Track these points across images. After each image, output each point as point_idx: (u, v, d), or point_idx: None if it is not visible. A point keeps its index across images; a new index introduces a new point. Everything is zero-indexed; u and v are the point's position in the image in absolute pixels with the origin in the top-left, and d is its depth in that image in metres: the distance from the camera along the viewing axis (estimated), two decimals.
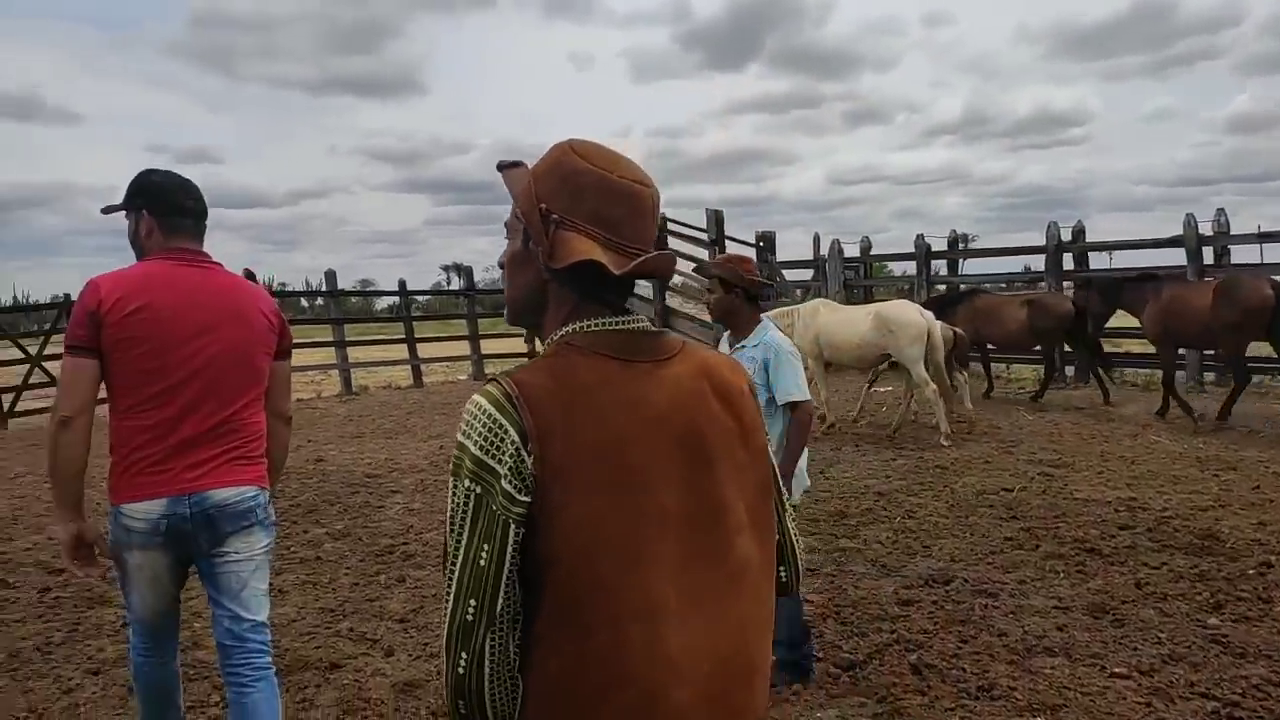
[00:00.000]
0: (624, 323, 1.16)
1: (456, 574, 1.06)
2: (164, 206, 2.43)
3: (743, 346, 3.32)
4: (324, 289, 14.73)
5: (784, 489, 1.30)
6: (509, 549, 1.04)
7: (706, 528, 1.11)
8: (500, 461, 1.04)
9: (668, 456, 1.09)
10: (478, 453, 1.05)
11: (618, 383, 1.10)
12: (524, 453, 1.04)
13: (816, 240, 17.43)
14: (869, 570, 4.63)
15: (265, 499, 2.52)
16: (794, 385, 3.23)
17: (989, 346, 11.33)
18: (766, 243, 16.96)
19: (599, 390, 1.09)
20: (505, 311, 1.29)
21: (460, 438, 1.08)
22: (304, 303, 28.23)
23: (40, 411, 12.14)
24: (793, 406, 3.23)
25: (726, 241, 16.36)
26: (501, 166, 1.20)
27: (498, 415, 1.06)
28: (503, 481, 1.04)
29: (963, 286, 13.27)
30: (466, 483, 1.06)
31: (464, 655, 1.06)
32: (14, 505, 6.87)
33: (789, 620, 3.25)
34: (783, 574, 1.28)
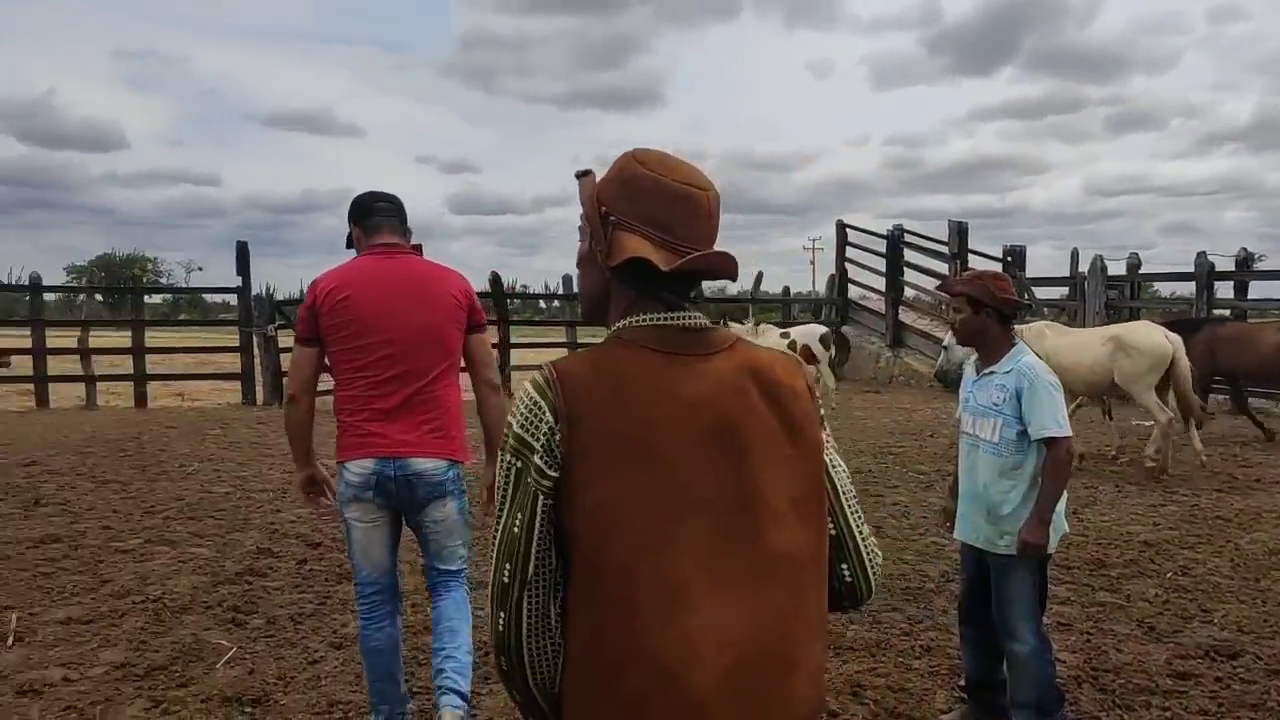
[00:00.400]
0: (675, 318, 1.21)
1: (497, 540, 1.16)
2: (360, 213, 2.90)
3: (991, 373, 2.98)
4: (560, 292, 15.32)
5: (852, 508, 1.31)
6: (538, 519, 1.13)
7: (736, 515, 1.14)
8: (535, 439, 1.13)
9: (699, 445, 1.14)
10: (519, 430, 1.15)
11: (655, 374, 1.16)
12: (555, 432, 1.13)
13: (1075, 256, 16.02)
14: (1134, 632, 4.05)
15: (457, 472, 2.84)
16: (1051, 419, 2.85)
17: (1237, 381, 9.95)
18: (1015, 258, 15.76)
19: (635, 380, 1.15)
20: (579, 308, 1.39)
21: (509, 417, 1.18)
22: (541, 304, 29.69)
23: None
24: (1050, 443, 2.85)
25: (969, 256, 15.37)
26: (576, 175, 1.28)
27: (538, 398, 1.15)
28: (536, 457, 1.13)
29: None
30: (509, 457, 1.16)
31: (501, 614, 1.16)
32: (285, 479, 7.61)
33: (1036, 681, 2.89)
34: (846, 572, 1.29)
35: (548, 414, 1.14)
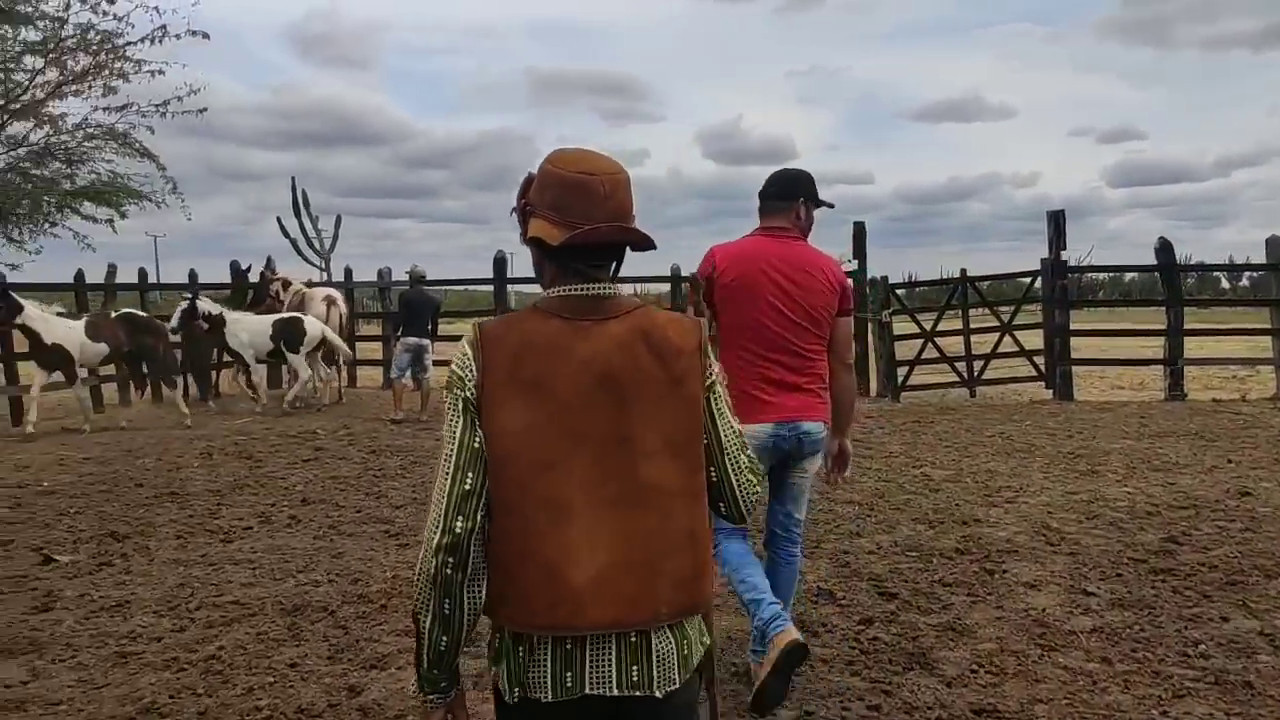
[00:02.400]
0: (582, 289, 1.48)
1: (454, 456, 1.42)
2: (764, 196, 3.26)
3: None
4: (1265, 264, 11.32)
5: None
6: (479, 439, 1.43)
7: (614, 450, 1.42)
8: (466, 380, 1.45)
9: (588, 392, 1.42)
10: (459, 371, 1.46)
11: (556, 335, 1.44)
12: (478, 375, 1.44)
13: None
14: None
15: (828, 434, 3.25)
16: None
17: None
18: None
19: (537, 340, 1.44)
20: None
21: (452, 364, 1.48)
22: (1224, 282, 23.86)
23: (930, 387, 12.15)
24: None
25: None
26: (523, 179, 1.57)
27: (469, 350, 1.46)
28: (465, 393, 1.44)
29: None
30: (456, 392, 1.45)
31: (460, 519, 1.40)
32: (880, 492, 6.40)
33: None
34: (722, 507, 1.58)
35: (472, 363, 1.45)
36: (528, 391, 1.40)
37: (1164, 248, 11.33)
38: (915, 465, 7.51)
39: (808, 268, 3.10)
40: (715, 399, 1.53)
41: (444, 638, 1.43)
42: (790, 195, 3.18)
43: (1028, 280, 12.36)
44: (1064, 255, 11.71)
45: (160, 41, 10.13)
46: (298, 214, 21.43)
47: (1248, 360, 12.21)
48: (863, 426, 9.61)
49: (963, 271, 12.14)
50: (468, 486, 1.40)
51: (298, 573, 4.69)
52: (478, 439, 1.41)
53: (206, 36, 10.43)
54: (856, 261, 12.38)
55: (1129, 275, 29.04)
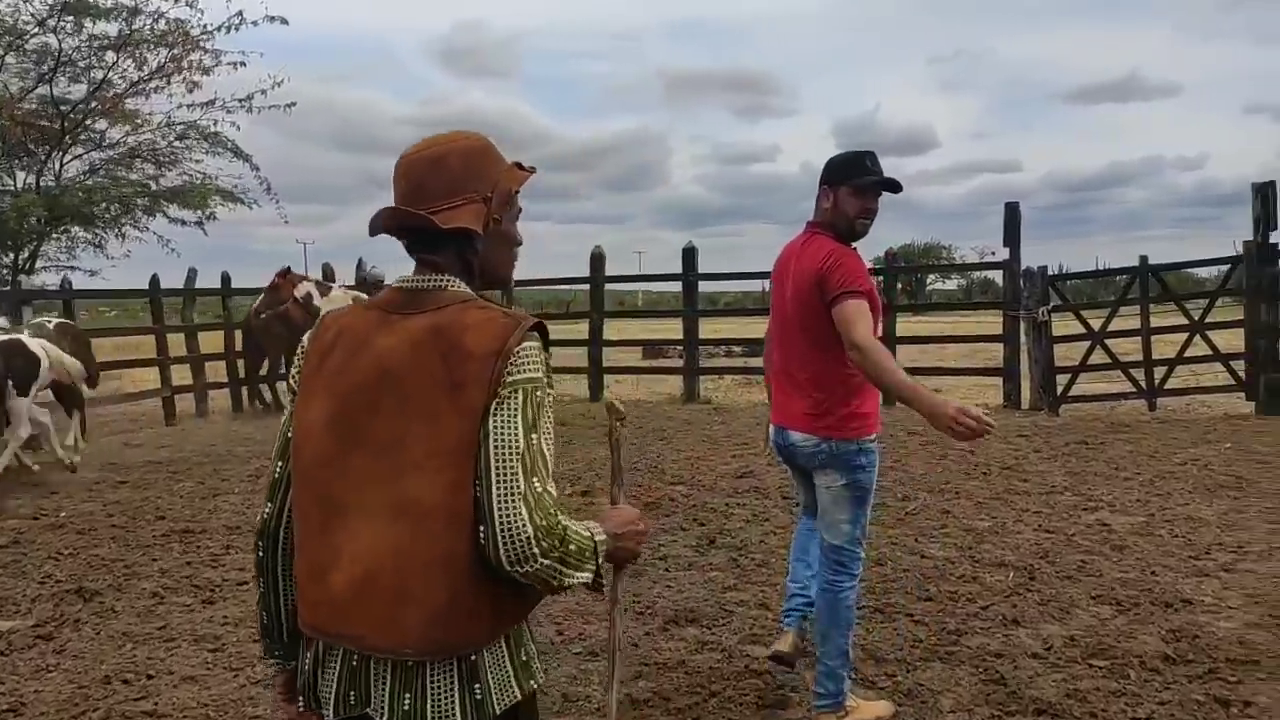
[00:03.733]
0: (408, 281, 1.45)
1: (276, 443, 1.48)
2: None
3: None
4: None
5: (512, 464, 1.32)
6: (290, 428, 1.45)
7: (385, 457, 1.33)
8: (295, 369, 1.48)
9: (371, 391, 1.36)
10: (297, 359, 1.48)
11: (366, 328, 1.40)
12: (300, 363, 1.47)
13: None
14: None
15: (831, 448, 2.90)
16: None
17: None
18: None
19: (349, 332, 1.42)
20: None
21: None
22: None
23: (1098, 398, 10.22)
24: None
25: None
26: None
27: (305, 339, 1.49)
28: (292, 381, 1.48)
29: None
30: (290, 380, 1.49)
31: (268, 505, 1.48)
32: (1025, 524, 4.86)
33: None
34: (482, 533, 1.31)
35: (302, 352, 1.48)
36: (327, 384, 1.40)
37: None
38: (1088, 507, 5.86)
39: (804, 263, 2.92)
40: (507, 409, 1.33)
41: (263, 613, 1.52)
42: (820, 182, 3.01)
43: (1225, 269, 10.21)
44: (1273, 237, 9.56)
45: (237, 29, 9.57)
46: None
47: None
48: (1015, 449, 7.94)
49: (1143, 259, 10.11)
50: (276, 474, 1.48)
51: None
52: (290, 429, 1.45)
53: (285, 22, 9.82)
54: (1009, 250, 10.57)
55: None
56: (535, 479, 1.31)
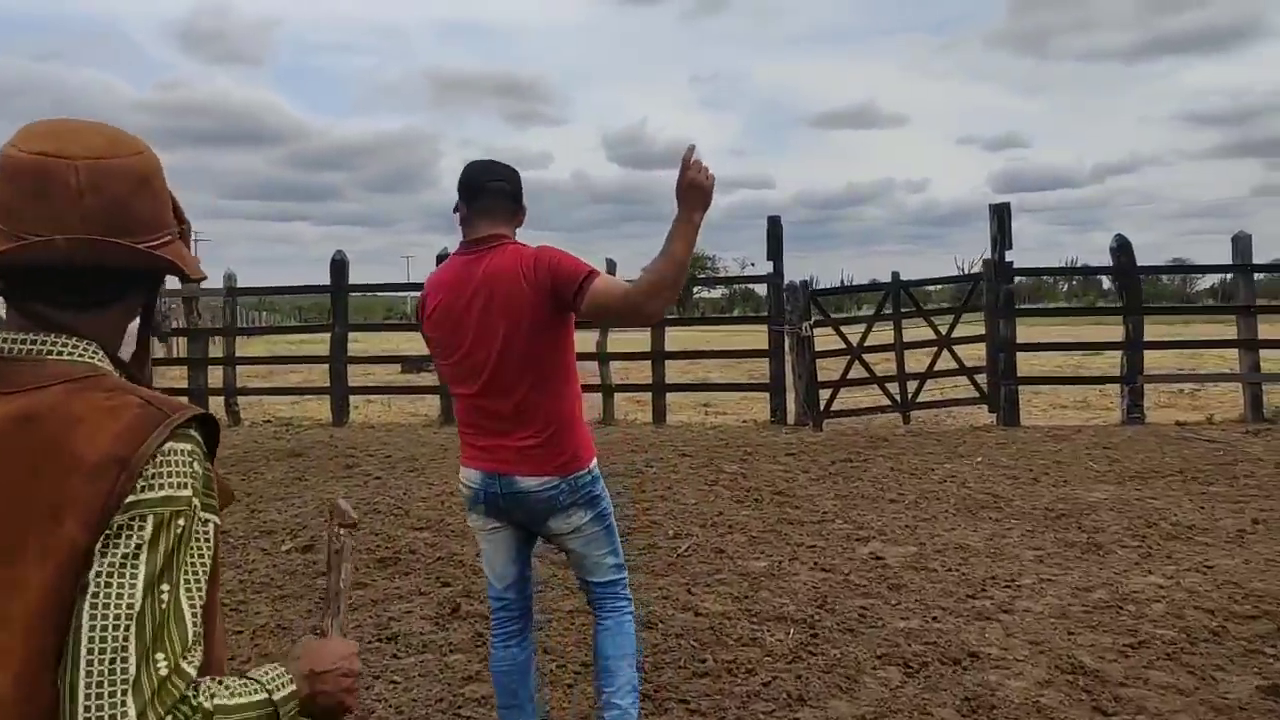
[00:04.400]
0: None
1: None
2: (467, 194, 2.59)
3: None
4: (1230, 264, 9.87)
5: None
6: None
7: None
8: None
9: None
10: None
11: None
12: None
13: None
14: None
15: (570, 484, 2.53)
16: None
17: None
18: None
19: None
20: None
21: None
22: (1105, 283, 23.73)
23: (857, 412, 10.33)
24: None
25: None
26: None
27: None
28: None
29: None
30: None
31: None
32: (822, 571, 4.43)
33: None
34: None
35: None
36: None
37: (1122, 247, 9.80)
38: (860, 537, 5.58)
39: (507, 274, 2.45)
40: (120, 549, 0.89)
41: None
42: (502, 192, 2.59)
43: (964, 286, 10.69)
44: (1008, 256, 10.07)
45: None
46: None
47: (1213, 376, 10.83)
48: (784, 469, 7.69)
49: (895, 275, 10.36)
50: None
51: None
52: None
53: None
54: (772, 264, 10.49)
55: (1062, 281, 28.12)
56: (159, 655, 0.89)
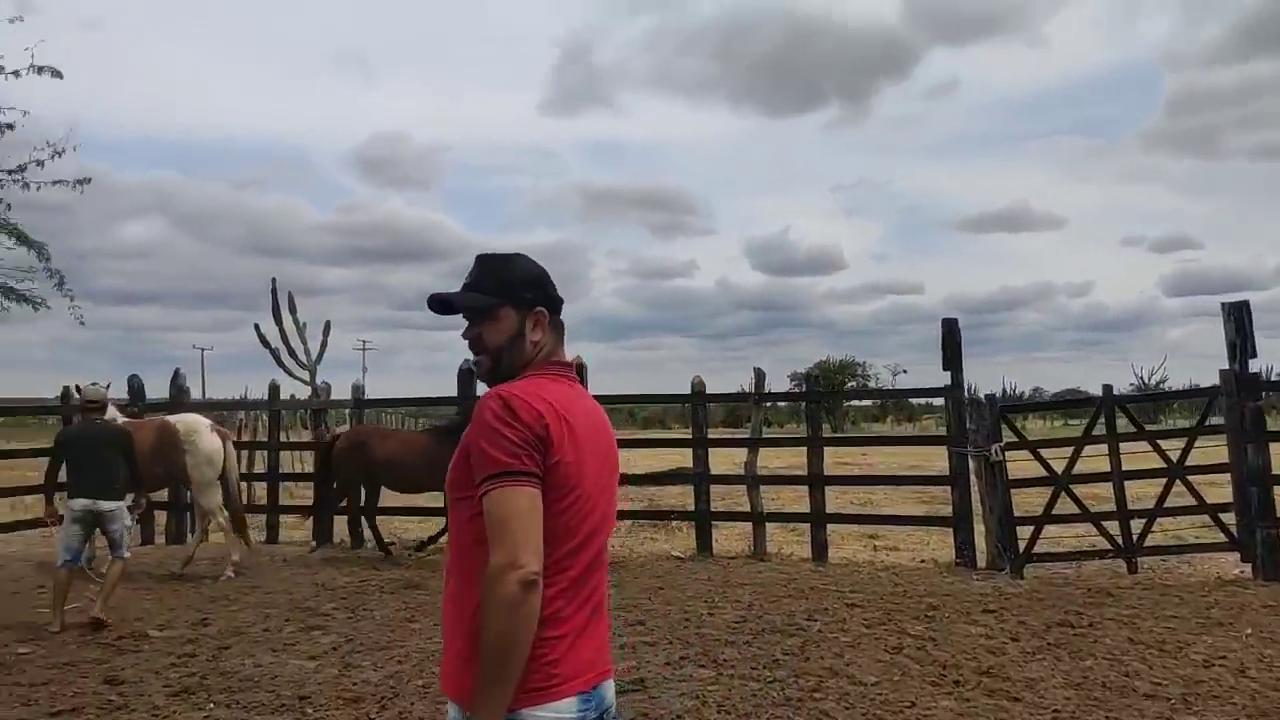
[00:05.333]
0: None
1: None
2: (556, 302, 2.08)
3: None
4: None
5: None
6: None
7: None
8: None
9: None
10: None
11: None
12: None
13: None
14: None
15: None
16: None
17: None
18: None
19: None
20: None
21: None
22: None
23: (1067, 556, 8.50)
24: None
25: None
26: None
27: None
28: None
29: None
30: None
31: None
32: None
33: None
34: None
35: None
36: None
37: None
38: None
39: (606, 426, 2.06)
40: None
41: None
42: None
43: (1198, 401, 8.79)
44: (1252, 365, 8.20)
45: None
46: (278, 319, 18.84)
47: None
48: (985, 634, 6.07)
49: (1106, 389, 8.62)
50: None
51: None
52: None
53: (58, 74, 7.83)
54: (949, 374, 8.99)
55: None
56: None
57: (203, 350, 51.76)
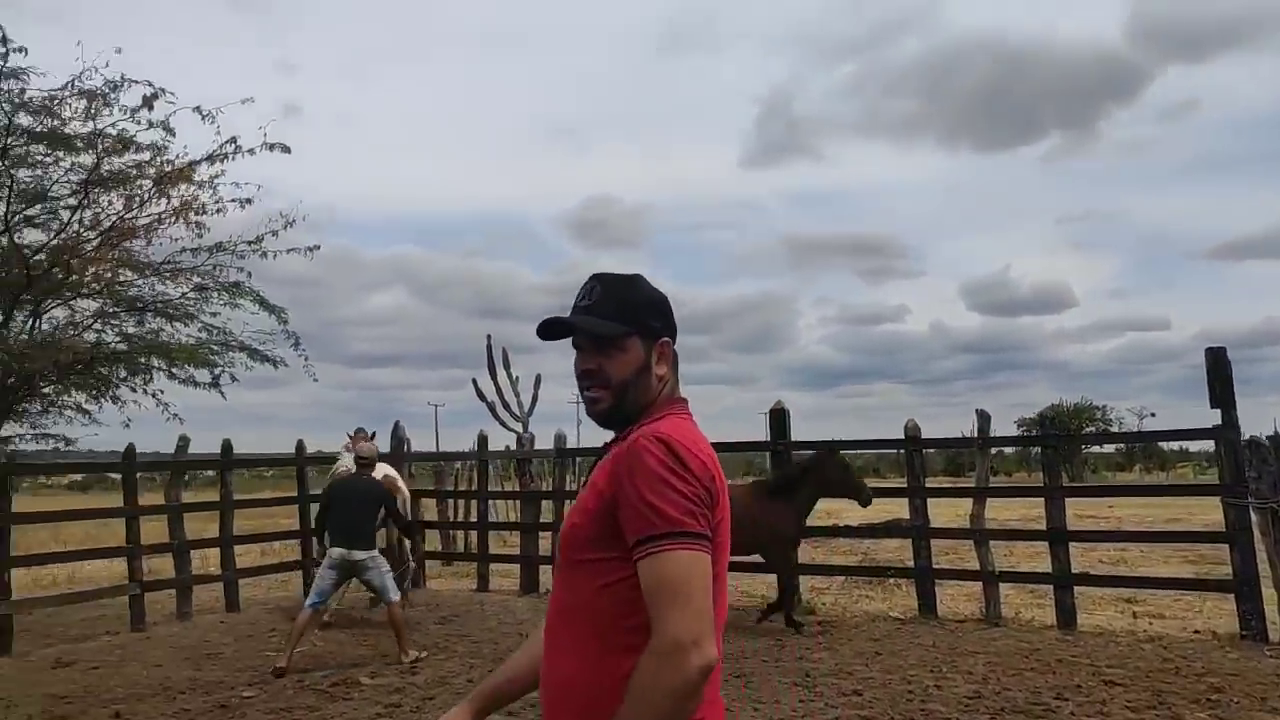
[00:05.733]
0: None
1: None
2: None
3: None
4: None
5: None
6: None
7: None
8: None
9: None
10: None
11: None
12: None
13: None
14: None
15: None
16: None
17: None
18: None
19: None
20: None
21: None
22: None
23: None
24: None
25: None
26: None
27: None
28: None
29: None
30: None
31: None
32: None
33: None
34: None
35: None
36: None
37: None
38: None
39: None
40: None
41: None
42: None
43: None
44: None
45: (231, 158, 8.29)
46: (493, 374, 19.66)
47: None
48: None
49: None
50: None
51: None
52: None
53: (287, 150, 8.49)
54: (1220, 412, 7.69)
55: None
56: None
57: (436, 407, 55.64)
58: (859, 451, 34.79)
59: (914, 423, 8.89)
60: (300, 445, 10.68)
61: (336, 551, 6.94)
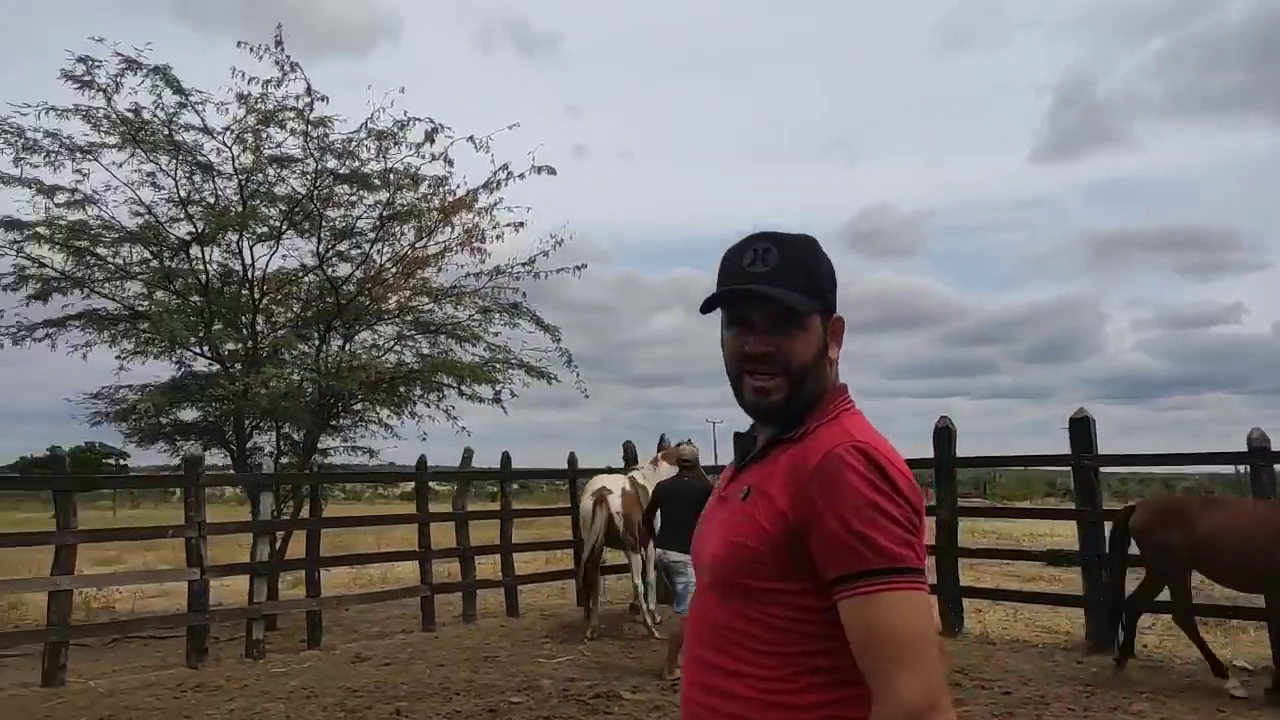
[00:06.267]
0: None
1: None
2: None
3: None
4: None
5: None
6: None
7: None
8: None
9: None
10: None
11: None
12: None
13: None
14: None
15: None
16: None
17: None
18: None
19: None
20: None
21: None
22: None
23: None
24: None
25: None
26: None
27: None
28: None
29: None
30: None
31: None
32: None
33: None
34: None
35: None
36: None
37: None
38: None
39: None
40: None
41: None
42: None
43: None
44: None
45: (502, 185, 8.75)
46: None
47: None
48: None
49: None
50: None
51: None
52: None
53: (553, 172, 8.80)
54: None
55: None
56: None
57: (714, 423, 56.39)
58: (1185, 469, 30.29)
59: (1260, 432, 7.39)
60: (572, 458, 11.03)
61: (657, 552, 7.03)
